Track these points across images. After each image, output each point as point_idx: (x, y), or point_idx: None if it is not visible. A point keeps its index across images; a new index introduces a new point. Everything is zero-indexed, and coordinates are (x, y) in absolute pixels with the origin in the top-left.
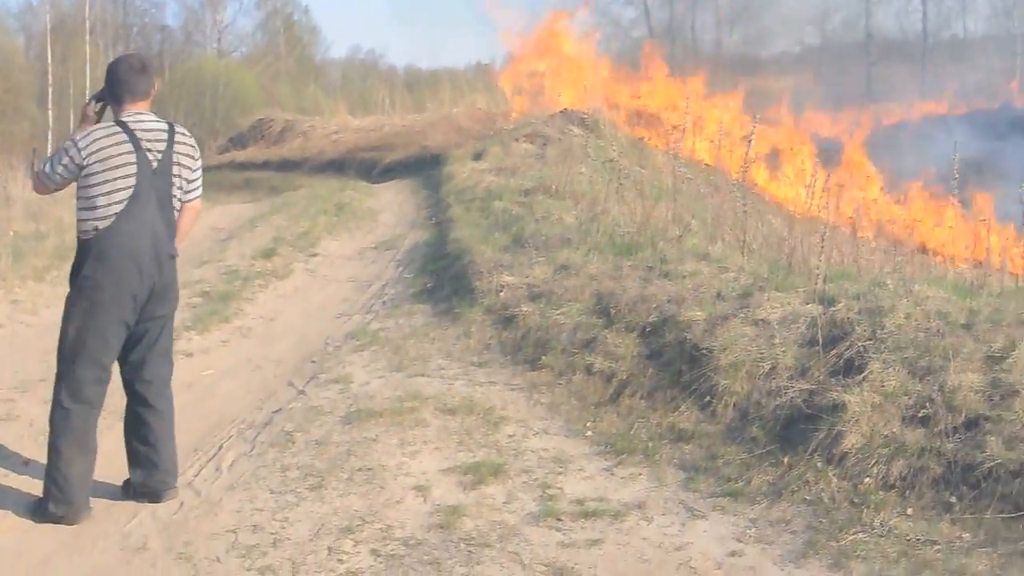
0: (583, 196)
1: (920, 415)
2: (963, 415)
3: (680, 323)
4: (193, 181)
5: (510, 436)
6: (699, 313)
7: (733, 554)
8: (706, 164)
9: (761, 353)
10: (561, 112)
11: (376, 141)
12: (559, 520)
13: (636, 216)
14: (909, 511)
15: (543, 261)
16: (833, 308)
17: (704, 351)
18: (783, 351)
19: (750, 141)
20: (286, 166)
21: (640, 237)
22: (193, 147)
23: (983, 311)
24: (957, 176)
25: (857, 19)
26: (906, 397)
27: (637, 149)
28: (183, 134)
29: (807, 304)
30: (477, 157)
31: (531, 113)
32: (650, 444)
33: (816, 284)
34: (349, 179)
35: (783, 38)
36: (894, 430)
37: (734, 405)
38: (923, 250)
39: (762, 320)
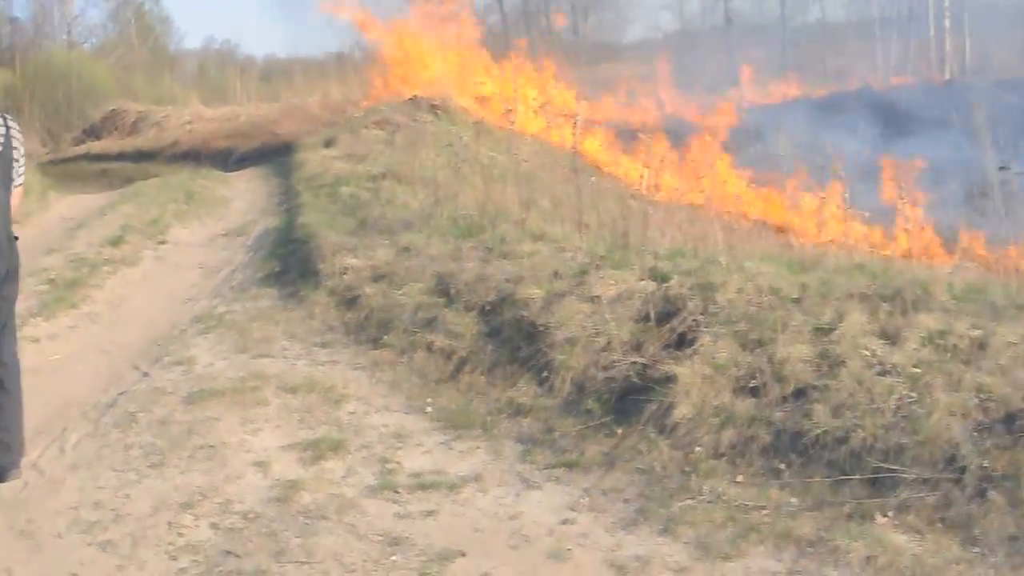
0: (429, 181)
1: (750, 386)
2: (792, 385)
3: (518, 301)
4: (22, 167)
5: (351, 413)
6: (536, 291)
7: (566, 522)
8: (567, 149)
9: (596, 329)
10: (410, 99)
11: (230, 131)
12: (396, 492)
13: (479, 199)
14: (739, 478)
15: (387, 244)
16: (666, 284)
17: (541, 328)
18: (617, 327)
19: (576, 123)
20: (141, 156)
21: (481, 219)
22: (21, 134)
23: (813, 285)
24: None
25: (715, 4)
26: (736, 368)
27: (488, 134)
28: (13, 122)
29: (641, 281)
30: (328, 144)
31: (383, 101)
32: (488, 419)
33: (650, 262)
34: (203, 168)
35: (638, 24)
36: (724, 400)
37: (571, 380)
38: (777, 230)
39: (597, 297)
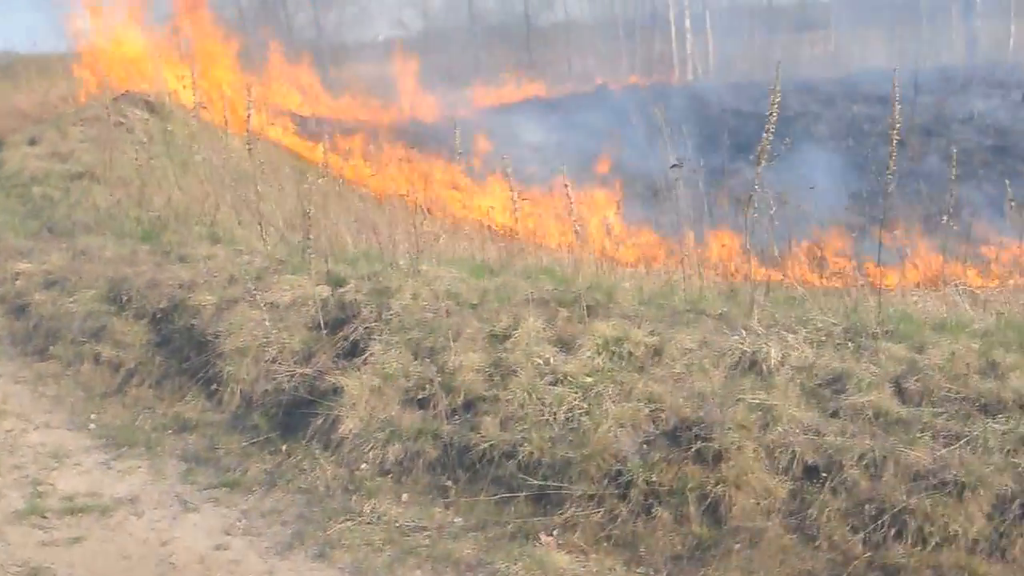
0: (129, 181)
1: (419, 397)
2: (462, 396)
3: (190, 308)
4: None
5: (7, 431)
6: (209, 297)
7: (219, 547)
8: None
9: (267, 338)
10: (123, 95)
11: None
12: (44, 518)
13: (173, 200)
14: (404, 497)
15: (64, 248)
16: (342, 290)
17: (211, 337)
18: (289, 335)
19: (249, 115)
20: None
21: (166, 221)
22: None
23: (494, 290)
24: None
25: (459, 1)
26: (406, 379)
27: (209, 132)
28: None
29: (318, 286)
30: (32, 143)
31: (97, 97)
32: (153, 435)
33: (328, 266)
34: None
35: (381, 20)
36: (392, 413)
37: (240, 393)
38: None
39: (271, 303)
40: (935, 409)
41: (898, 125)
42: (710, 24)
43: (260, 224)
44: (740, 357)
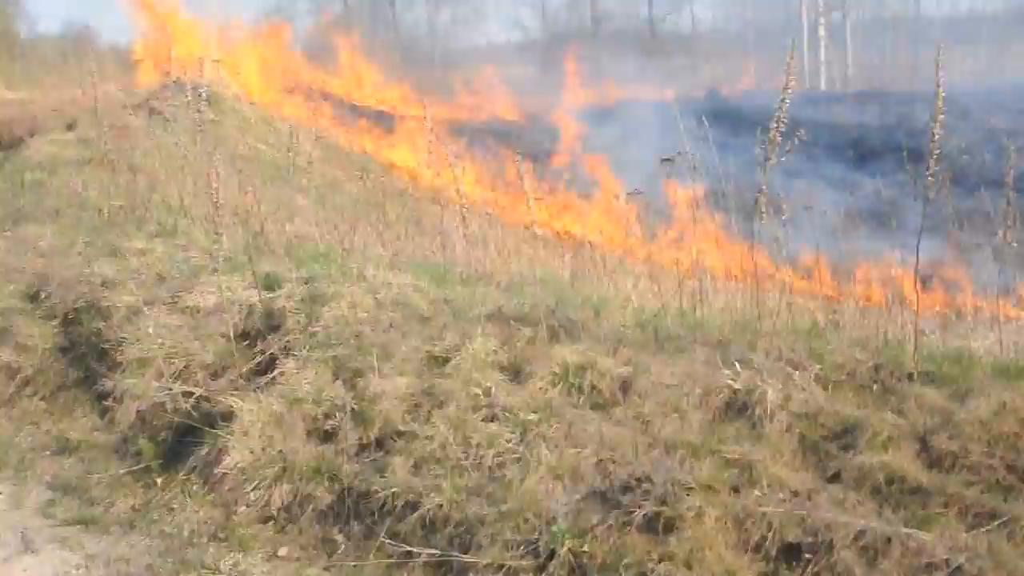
0: (139, 169)
1: (327, 428)
2: (376, 429)
3: (103, 310)
4: None
5: None
6: (127, 298)
7: None
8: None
9: (175, 348)
10: (174, 82)
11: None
12: None
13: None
14: (282, 551)
15: (8, 236)
16: (272, 295)
17: (116, 344)
18: (203, 346)
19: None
20: None
21: (133, 211)
22: None
23: (454, 301)
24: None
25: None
26: (315, 405)
27: (267, 125)
28: None
29: (248, 290)
30: (69, 128)
31: (149, 85)
32: (28, 456)
33: (267, 266)
34: None
35: (496, 20)
36: (291, 446)
37: (135, 411)
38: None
39: (192, 307)
40: (967, 476)
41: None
42: (849, 33)
43: (216, 217)
44: (730, 398)
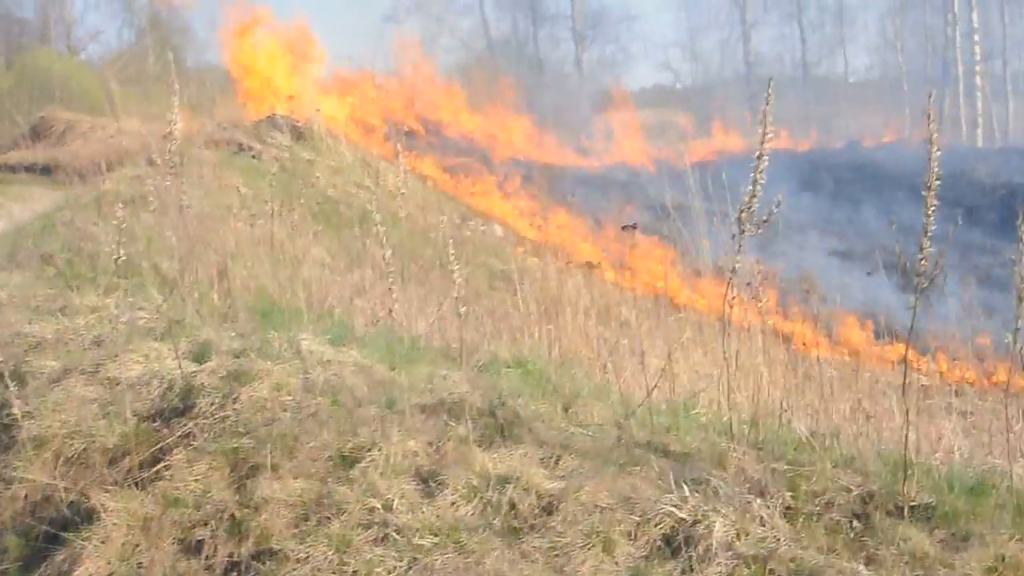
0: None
1: (200, 537)
2: (251, 543)
3: (21, 375)
4: None
5: None
6: (52, 363)
7: None
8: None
9: (79, 427)
10: (268, 118)
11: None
12: None
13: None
14: None
15: None
16: (198, 368)
17: (15, 418)
18: (109, 426)
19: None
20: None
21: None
22: None
23: (401, 384)
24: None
25: (732, 44)
26: (196, 509)
27: (367, 165)
28: None
29: (174, 360)
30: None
31: (236, 119)
32: None
33: (207, 333)
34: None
35: (645, 62)
36: (154, 558)
37: (24, 497)
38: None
39: (112, 379)
40: None
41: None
42: (1011, 86)
43: (174, 274)
44: (671, 529)
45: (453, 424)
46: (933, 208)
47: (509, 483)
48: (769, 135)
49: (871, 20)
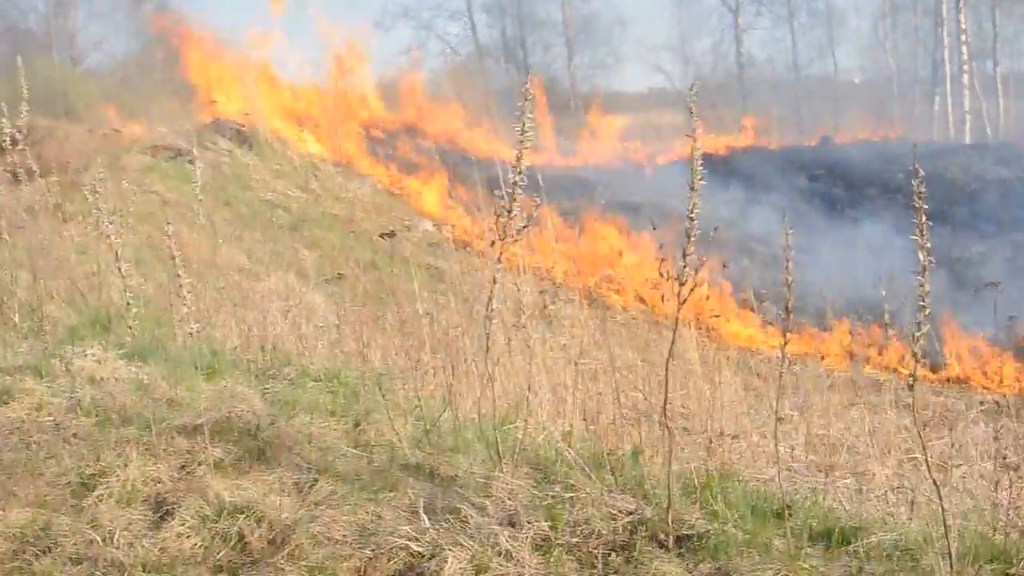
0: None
1: None
2: None
3: None
4: None
5: None
6: None
7: None
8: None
9: None
10: (212, 122)
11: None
12: None
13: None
14: None
15: None
16: None
17: None
18: None
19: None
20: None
21: None
22: None
23: (201, 402)
24: None
25: (724, 46)
26: None
27: (315, 169)
28: None
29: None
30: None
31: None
32: None
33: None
34: None
35: (637, 64)
36: None
37: None
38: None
39: None
40: None
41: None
42: (1000, 83)
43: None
44: (407, 563)
45: (208, 446)
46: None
47: (243, 513)
48: (699, 146)
49: (863, 23)
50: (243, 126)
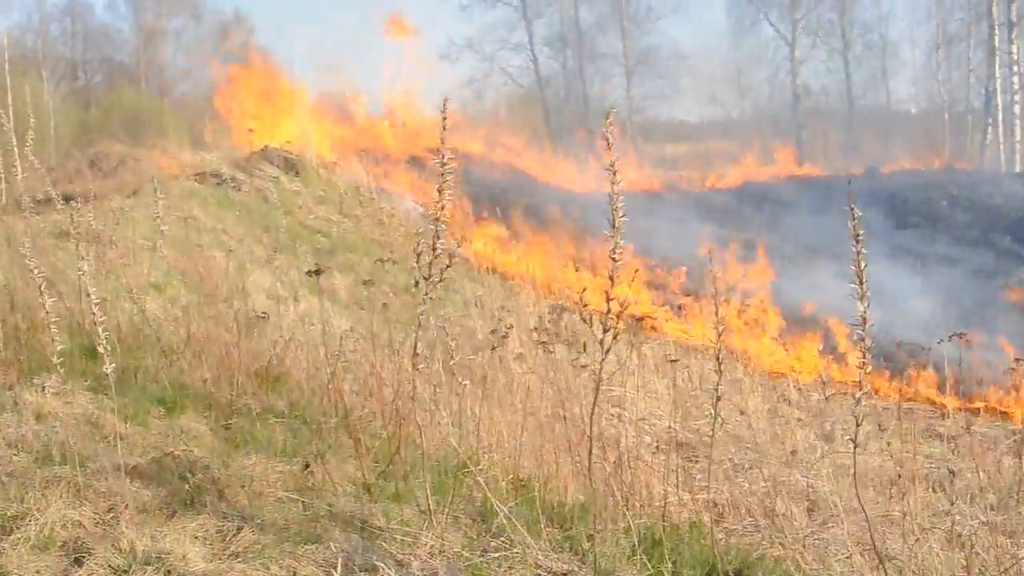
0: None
1: None
2: None
3: None
4: None
5: None
6: None
7: None
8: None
9: None
10: (261, 151)
11: None
12: None
13: None
14: None
15: None
16: None
17: None
18: None
19: None
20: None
21: None
22: None
23: (147, 440)
24: None
25: (780, 76)
26: None
27: (360, 194)
28: None
29: None
30: (133, 194)
31: (227, 149)
32: None
33: None
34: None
35: (692, 95)
36: None
37: None
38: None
39: None
40: None
41: None
42: None
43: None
44: None
45: (135, 489)
46: None
47: (151, 565)
48: (619, 179)
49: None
50: (291, 153)
